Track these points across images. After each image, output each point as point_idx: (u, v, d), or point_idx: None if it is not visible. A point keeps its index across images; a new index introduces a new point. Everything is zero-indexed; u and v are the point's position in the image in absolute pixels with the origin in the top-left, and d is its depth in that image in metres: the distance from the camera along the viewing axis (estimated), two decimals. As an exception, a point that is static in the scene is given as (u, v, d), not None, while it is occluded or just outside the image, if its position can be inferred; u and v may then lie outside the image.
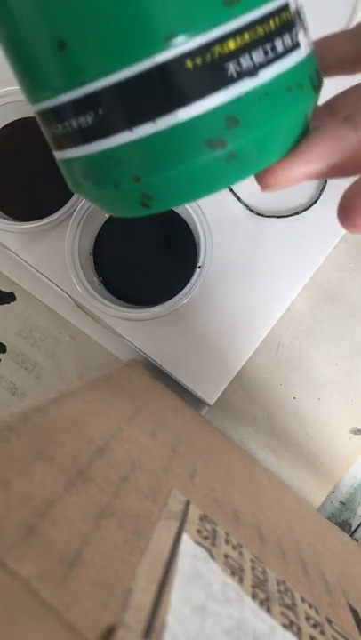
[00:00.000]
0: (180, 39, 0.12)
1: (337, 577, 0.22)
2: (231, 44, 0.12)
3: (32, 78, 0.14)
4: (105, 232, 0.35)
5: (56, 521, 0.12)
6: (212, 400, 0.36)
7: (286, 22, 0.14)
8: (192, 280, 0.31)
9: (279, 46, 0.13)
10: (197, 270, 0.31)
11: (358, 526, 0.36)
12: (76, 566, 0.11)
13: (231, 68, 0.13)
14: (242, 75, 0.13)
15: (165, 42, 0.12)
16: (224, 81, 0.13)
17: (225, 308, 0.36)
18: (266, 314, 0.35)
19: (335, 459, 0.36)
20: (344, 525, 0.36)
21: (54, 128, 0.15)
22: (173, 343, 0.36)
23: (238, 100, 0.13)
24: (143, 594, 0.12)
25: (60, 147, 0.15)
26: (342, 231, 0.35)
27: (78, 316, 0.37)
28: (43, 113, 0.15)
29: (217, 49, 0.12)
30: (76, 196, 0.31)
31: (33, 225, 0.32)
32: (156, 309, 0.31)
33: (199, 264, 0.31)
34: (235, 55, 0.13)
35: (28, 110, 0.33)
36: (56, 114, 0.14)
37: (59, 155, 0.15)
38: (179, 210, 0.33)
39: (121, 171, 0.14)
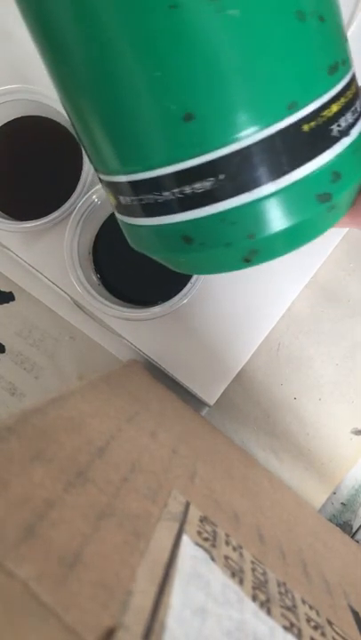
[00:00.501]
0: (299, 106, 0.13)
1: (338, 578, 0.22)
2: (334, 108, 0.14)
3: (130, 149, 0.14)
4: (104, 231, 0.34)
5: (55, 522, 0.12)
6: (212, 400, 0.36)
7: None
8: (192, 280, 0.31)
9: (359, 106, 0.15)
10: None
11: (359, 527, 0.36)
12: (76, 567, 0.11)
13: (335, 128, 0.14)
14: (341, 134, 0.14)
15: (288, 109, 0.13)
16: (330, 140, 0.14)
17: (225, 308, 0.35)
18: (266, 314, 0.35)
19: (336, 459, 0.36)
20: (345, 527, 0.36)
21: (146, 197, 0.15)
22: (173, 343, 0.36)
23: (339, 157, 0.15)
24: (143, 595, 0.11)
25: (151, 214, 0.15)
26: (343, 231, 0.35)
27: (78, 317, 0.37)
28: (134, 183, 0.15)
29: (325, 113, 0.14)
30: (75, 196, 0.31)
31: (32, 224, 0.32)
32: (156, 309, 0.31)
33: None
34: (337, 117, 0.14)
35: (26, 109, 0.33)
36: (157, 183, 0.14)
37: (144, 221, 0.16)
38: None
39: (235, 231, 0.15)
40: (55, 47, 0.14)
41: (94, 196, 0.31)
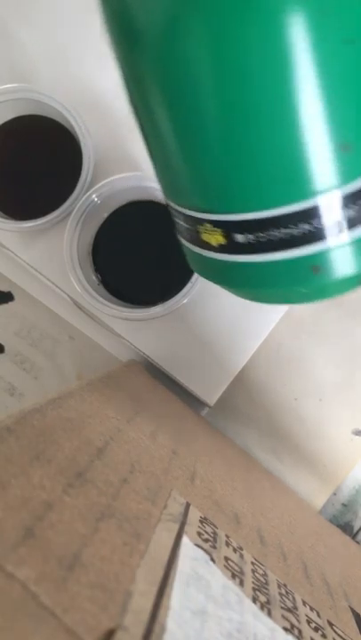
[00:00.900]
0: None
1: (338, 579, 0.22)
2: None
3: (263, 184, 0.14)
4: (104, 231, 0.34)
5: (55, 523, 0.12)
6: (212, 401, 0.36)
7: None
8: (192, 279, 0.31)
9: None
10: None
11: (360, 529, 0.35)
12: (75, 569, 0.11)
13: None
14: None
15: None
16: None
17: (225, 308, 0.35)
18: (266, 314, 0.35)
19: (337, 460, 0.35)
20: (346, 527, 0.35)
21: (289, 229, 0.15)
22: (173, 343, 0.35)
23: None
24: (143, 597, 0.11)
25: (269, 249, 0.15)
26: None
27: (77, 317, 0.37)
28: (260, 221, 0.15)
29: None
30: (74, 195, 0.31)
31: (31, 224, 0.32)
32: (157, 309, 0.31)
33: None
34: None
35: (25, 108, 0.33)
36: (313, 212, 0.14)
37: (272, 256, 0.16)
38: None
39: None
40: (185, 96, 0.14)
41: (94, 196, 0.31)
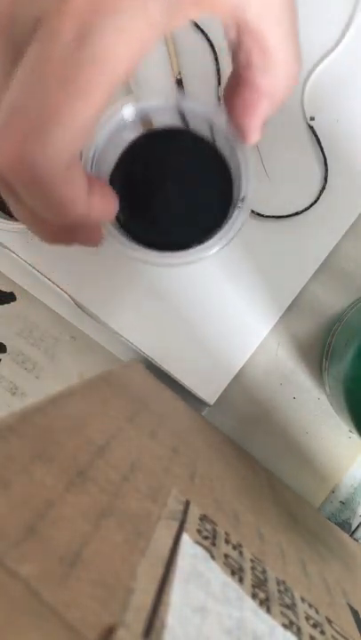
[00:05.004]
0: None
1: (337, 577, 0.22)
2: None
3: None
4: (124, 161, 0.28)
5: (56, 521, 0.12)
6: (212, 400, 0.36)
7: None
8: (232, 215, 0.25)
9: None
10: (239, 204, 0.25)
11: (358, 526, 0.36)
12: (77, 566, 0.11)
13: None
14: None
15: None
16: None
17: (225, 307, 0.36)
18: (266, 313, 0.35)
19: (335, 458, 0.36)
20: (344, 525, 0.36)
21: None
22: (173, 343, 0.36)
23: None
24: (143, 594, 0.12)
25: None
26: (343, 231, 0.35)
27: (78, 316, 0.37)
28: None
29: None
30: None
31: (33, 225, 0.32)
32: (191, 251, 0.26)
33: (242, 195, 0.25)
34: None
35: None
36: None
37: None
38: (213, 140, 0.27)
39: None
40: None
41: (125, 111, 0.24)
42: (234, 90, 0.20)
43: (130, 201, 0.27)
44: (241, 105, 0.20)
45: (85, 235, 0.21)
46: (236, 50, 0.19)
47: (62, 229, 0.20)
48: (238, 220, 0.25)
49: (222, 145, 0.27)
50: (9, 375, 0.37)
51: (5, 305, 0.37)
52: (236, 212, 0.25)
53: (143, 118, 0.26)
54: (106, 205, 0.20)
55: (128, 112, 0.25)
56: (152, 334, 0.36)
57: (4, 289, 0.37)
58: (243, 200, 0.25)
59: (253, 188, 0.25)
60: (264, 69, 0.18)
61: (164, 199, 0.28)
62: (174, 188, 0.28)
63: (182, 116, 0.26)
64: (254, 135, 0.21)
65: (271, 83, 0.19)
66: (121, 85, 0.17)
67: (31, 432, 0.15)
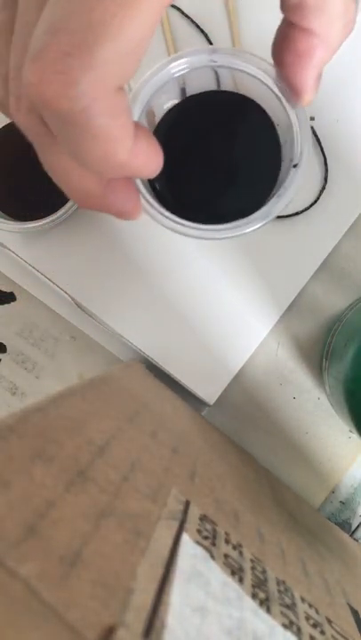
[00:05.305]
0: None
1: (337, 577, 0.22)
2: None
3: None
4: (162, 129, 0.26)
5: (56, 521, 0.12)
6: (212, 400, 0.36)
7: None
8: (286, 180, 0.23)
9: None
10: (292, 170, 0.23)
11: (358, 526, 0.36)
12: (77, 566, 0.11)
13: None
14: None
15: None
16: None
17: (225, 307, 0.36)
18: (266, 313, 0.35)
19: (335, 458, 0.36)
20: (344, 525, 0.36)
21: None
22: (173, 343, 0.36)
23: None
24: (143, 594, 0.12)
25: None
26: (343, 231, 0.35)
27: (78, 316, 0.37)
28: None
29: None
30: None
31: (33, 225, 0.32)
32: (243, 222, 0.23)
33: (295, 162, 0.23)
34: None
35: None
36: None
37: None
38: (264, 102, 0.25)
39: None
40: None
41: (173, 65, 0.22)
42: (284, 41, 0.18)
43: (166, 169, 0.23)
44: (294, 56, 0.18)
45: (122, 198, 0.19)
46: None
47: (98, 186, 0.18)
48: (293, 184, 0.23)
49: (273, 106, 0.24)
50: (9, 375, 0.37)
51: (5, 305, 0.37)
52: (291, 173, 0.23)
53: (180, 83, 0.24)
54: (151, 156, 0.17)
55: (177, 67, 0.22)
56: (152, 334, 0.36)
57: (3, 289, 0.37)
58: (296, 165, 0.22)
59: (309, 149, 0.22)
60: (319, 10, 0.16)
61: (204, 167, 0.26)
62: (216, 155, 0.26)
63: (217, 78, 0.24)
64: (311, 91, 0.19)
65: (327, 24, 0.17)
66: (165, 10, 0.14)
67: (31, 432, 0.15)
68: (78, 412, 0.18)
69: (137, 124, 0.17)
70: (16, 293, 0.37)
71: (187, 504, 0.17)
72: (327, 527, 0.32)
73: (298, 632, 0.15)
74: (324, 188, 0.35)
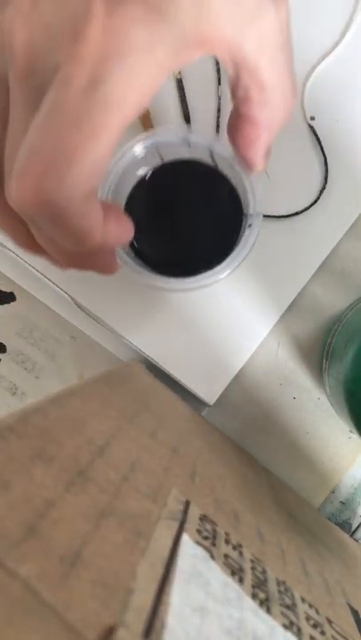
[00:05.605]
0: None
1: (337, 577, 0.22)
2: None
3: None
4: (139, 191, 0.30)
5: (56, 521, 0.12)
6: (212, 400, 0.36)
7: None
8: (240, 243, 0.26)
9: None
10: (247, 230, 0.27)
11: (358, 526, 0.36)
12: (77, 566, 0.11)
13: None
14: None
15: None
16: None
17: (225, 308, 0.36)
18: (266, 313, 0.35)
19: (335, 458, 0.36)
20: (344, 525, 0.36)
21: None
22: (173, 343, 0.36)
23: None
24: (143, 594, 0.12)
25: None
26: (343, 231, 0.35)
27: (78, 316, 0.37)
28: None
29: None
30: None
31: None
32: (200, 277, 0.27)
33: (249, 223, 0.27)
34: None
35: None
36: None
37: None
38: (222, 170, 0.29)
39: None
40: None
41: (136, 148, 0.27)
42: (235, 125, 0.21)
43: (143, 230, 0.28)
44: (243, 139, 0.22)
45: (101, 262, 0.23)
46: (235, 86, 0.20)
47: (79, 256, 0.21)
48: (248, 243, 0.26)
49: (229, 172, 0.28)
50: (9, 375, 0.37)
51: (5, 305, 0.37)
52: (245, 235, 0.26)
53: (153, 153, 0.28)
54: (121, 230, 0.21)
55: (139, 148, 0.27)
56: (152, 334, 0.36)
57: (3, 289, 0.37)
58: (250, 226, 0.27)
59: (260, 217, 0.26)
60: (262, 103, 0.20)
61: (174, 228, 0.30)
62: (184, 216, 0.30)
63: (189, 149, 0.28)
64: (261, 164, 0.23)
65: (269, 116, 0.20)
66: (133, 122, 0.18)
67: (31, 432, 0.15)
68: (78, 412, 0.18)
69: (107, 205, 0.20)
70: (16, 293, 0.37)
71: (187, 504, 0.17)
72: (327, 527, 0.32)
73: (298, 632, 0.15)
74: (324, 187, 0.35)
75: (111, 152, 0.17)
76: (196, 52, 0.17)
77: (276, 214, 0.35)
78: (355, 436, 0.35)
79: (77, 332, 0.37)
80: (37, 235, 0.20)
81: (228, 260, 0.27)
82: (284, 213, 0.35)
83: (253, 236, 0.26)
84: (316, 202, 0.35)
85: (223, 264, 0.27)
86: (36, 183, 0.16)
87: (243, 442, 0.36)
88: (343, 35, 0.35)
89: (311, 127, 0.35)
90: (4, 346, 0.37)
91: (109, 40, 0.15)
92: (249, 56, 0.18)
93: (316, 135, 0.35)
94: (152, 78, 0.16)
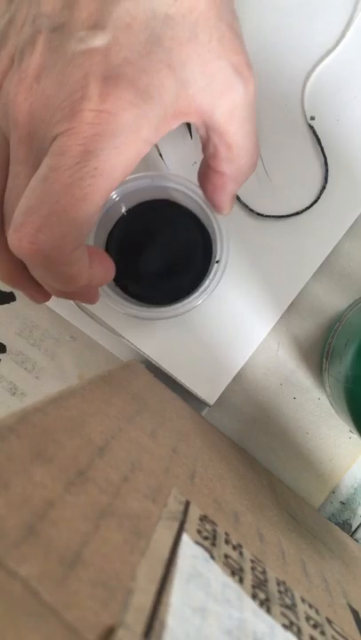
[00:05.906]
0: None
1: (337, 577, 0.22)
2: None
3: None
4: (118, 229, 0.34)
5: (56, 521, 0.12)
6: (212, 400, 0.36)
7: None
8: (210, 275, 0.31)
9: None
10: (215, 265, 0.31)
11: (359, 526, 0.36)
12: (76, 566, 0.11)
13: None
14: None
15: None
16: None
17: (225, 308, 0.36)
18: (266, 313, 0.35)
19: (335, 459, 0.36)
20: (344, 526, 0.36)
21: None
22: (174, 343, 0.36)
23: None
24: (143, 594, 0.12)
25: None
26: (343, 231, 0.35)
27: (78, 316, 0.37)
28: None
29: None
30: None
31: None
32: (169, 309, 0.31)
33: (217, 258, 0.31)
34: None
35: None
36: None
37: None
38: (193, 209, 0.33)
39: None
40: None
41: (113, 194, 0.31)
42: (205, 175, 0.24)
43: (122, 263, 0.33)
44: (211, 187, 0.25)
45: (86, 295, 0.26)
46: (206, 144, 0.23)
47: (66, 292, 0.24)
48: (217, 276, 0.30)
49: (200, 212, 0.32)
50: (9, 375, 0.37)
51: (5, 305, 0.37)
52: (214, 269, 0.31)
53: (130, 195, 0.32)
54: (105, 272, 0.25)
55: (116, 192, 0.31)
56: (152, 334, 0.36)
57: (3, 289, 0.37)
58: (218, 261, 0.31)
59: (227, 252, 0.31)
60: (229, 160, 0.23)
61: (152, 260, 0.34)
62: (161, 250, 0.34)
63: (165, 191, 0.32)
64: (227, 208, 0.26)
65: (235, 170, 0.23)
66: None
67: (31, 432, 0.15)
68: (78, 413, 0.18)
69: (92, 250, 0.23)
70: (16, 293, 0.37)
71: (187, 504, 0.17)
72: (327, 527, 0.32)
73: (298, 632, 0.15)
74: (324, 187, 0.35)
75: (99, 211, 0.19)
76: (175, 122, 0.20)
77: (276, 214, 0.35)
78: (355, 436, 0.35)
79: (77, 332, 0.37)
80: (32, 274, 0.22)
81: (202, 288, 0.30)
82: (284, 213, 0.35)
83: (218, 277, 0.30)
84: (316, 202, 0.35)
85: (196, 293, 0.30)
86: (32, 236, 0.19)
87: (243, 442, 0.36)
88: (343, 35, 0.35)
89: (311, 127, 0.35)
90: (4, 346, 0.37)
91: (102, 120, 0.17)
92: (219, 122, 0.21)
93: (316, 135, 0.35)
94: (137, 151, 0.19)
